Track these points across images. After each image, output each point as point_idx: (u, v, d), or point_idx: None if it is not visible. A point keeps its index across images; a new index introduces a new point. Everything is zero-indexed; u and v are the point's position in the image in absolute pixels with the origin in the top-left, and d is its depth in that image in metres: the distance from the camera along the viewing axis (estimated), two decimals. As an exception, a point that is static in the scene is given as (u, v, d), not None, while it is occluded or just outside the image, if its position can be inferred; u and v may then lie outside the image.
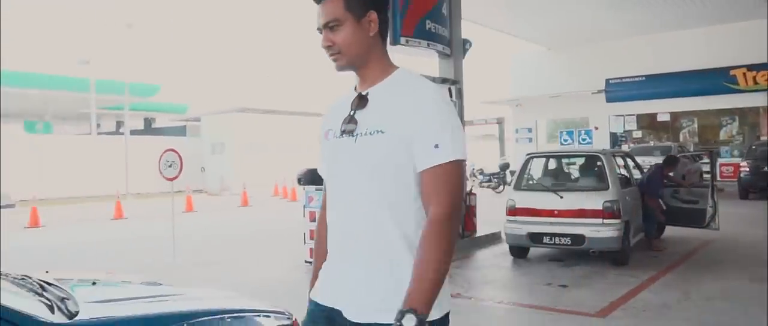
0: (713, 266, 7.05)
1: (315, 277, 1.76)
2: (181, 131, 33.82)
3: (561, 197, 7.21)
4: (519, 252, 7.76)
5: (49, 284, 2.25)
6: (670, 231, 8.83)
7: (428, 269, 1.44)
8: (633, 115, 22.17)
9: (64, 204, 19.95)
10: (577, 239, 7.00)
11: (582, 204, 7.06)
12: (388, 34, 1.71)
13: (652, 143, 21.60)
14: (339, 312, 1.57)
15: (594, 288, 6.14)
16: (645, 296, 5.77)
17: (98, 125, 38.62)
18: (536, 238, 7.31)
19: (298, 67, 33.19)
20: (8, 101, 28.51)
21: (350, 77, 1.69)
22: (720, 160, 19.23)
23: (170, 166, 8.10)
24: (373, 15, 1.61)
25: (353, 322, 1.54)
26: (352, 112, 1.61)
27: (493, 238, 9.28)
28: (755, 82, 18.84)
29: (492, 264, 7.77)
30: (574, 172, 8.66)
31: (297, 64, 33.12)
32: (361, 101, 1.61)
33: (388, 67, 1.65)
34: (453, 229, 1.50)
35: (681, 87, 19.96)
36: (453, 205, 1.50)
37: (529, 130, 25.02)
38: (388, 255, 1.54)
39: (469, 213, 9.25)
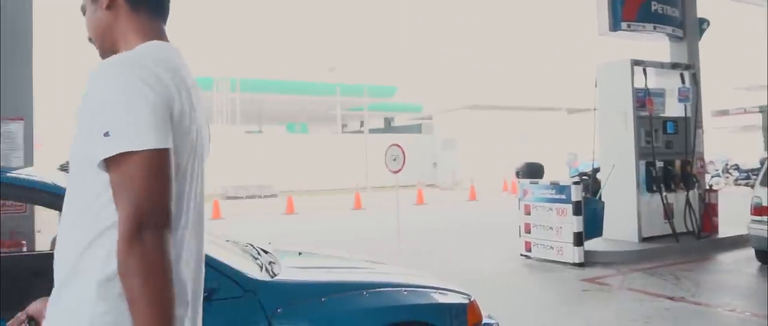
0: None
1: None
2: (416, 129, 35.79)
3: (823, 195, 6.13)
4: (766, 256, 6.77)
5: (265, 251, 2.75)
6: None
7: (135, 313, 1.09)
8: None
9: (315, 195, 22.59)
10: None
11: None
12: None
13: None
14: None
15: None
16: None
17: (345, 125, 42.70)
18: (788, 242, 6.32)
19: (525, 62, 32.76)
20: (272, 106, 33.17)
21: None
22: None
23: (395, 160, 8.77)
24: None
25: None
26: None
27: (739, 241, 8.19)
28: None
29: (732, 269, 6.91)
30: None
31: (524, 58, 32.68)
32: None
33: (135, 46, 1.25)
34: (147, 249, 1.08)
35: None
36: (136, 216, 1.08)
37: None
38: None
39: (709, 212, 8.32)
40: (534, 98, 30.56)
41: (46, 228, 4.33)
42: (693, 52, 8.29)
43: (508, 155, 25.18)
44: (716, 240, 8.20)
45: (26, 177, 2.41)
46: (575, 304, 5.59)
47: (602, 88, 7.74)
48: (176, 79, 1.21)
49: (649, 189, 7.82)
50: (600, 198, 7.51)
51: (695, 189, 8.23)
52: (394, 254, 8.50)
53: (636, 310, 5.17)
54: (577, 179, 9.61)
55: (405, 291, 2.53)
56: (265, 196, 22.50)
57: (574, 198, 6.91)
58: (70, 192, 1.22)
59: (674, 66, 8.05)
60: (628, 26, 7.55)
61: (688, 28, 8.26)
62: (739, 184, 18.16)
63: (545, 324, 5.01)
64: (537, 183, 7.76)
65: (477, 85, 30.21)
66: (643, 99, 7.57)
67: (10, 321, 1.39)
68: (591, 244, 7.16)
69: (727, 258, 7.54)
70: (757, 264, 6.86)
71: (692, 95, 7.98)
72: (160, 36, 1.31)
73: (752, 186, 17.95)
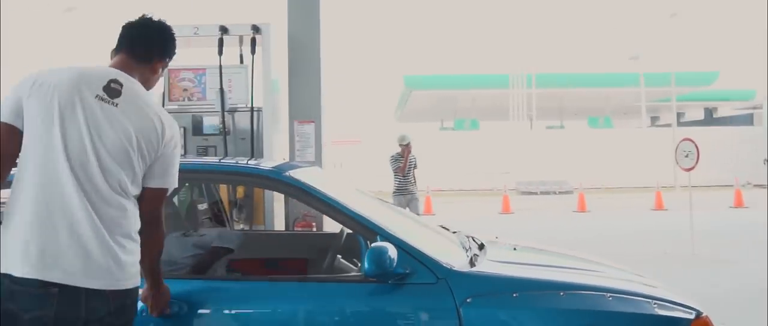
0: None
1: None
2: (746, 120, 30.88)
3: None
4: None
5: (481, 245, 2.84)
6: None
7: None
8: None
9: (614, 193, 21.24)
10: None
11: None
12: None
13: None
14: None
15: None
16: None
17: (656, 118, 39.04)
18: None
19: None
20: (572, 101, 32.23)
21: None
22: None
23: (686, 156, 7.81)
24: None
25: None
26: None
27: None
28: None
29: None
30: None
31: None
32: None
33: None
34: None
35: None
36: None
37: None
38: None
39: None
40: None
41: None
42: None
43: None
44: None
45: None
46: None
47: None
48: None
49: None
50: None
51: None
52: (686, 260, 7.61)
53: None
54: None
55: (610, 296, 2.34)
56: (560, 192, 22.04)
57: None
58: None
59: None
60: None
61: None
62: None
63: None
64: None
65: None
66: None
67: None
68: None
69: None
70: None
71: None
72: (116, 64, 1.96)
73: None
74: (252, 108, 5.10)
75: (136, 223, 1.89)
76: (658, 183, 16.71)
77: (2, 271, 1.71)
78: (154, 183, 1.92)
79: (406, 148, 8.37)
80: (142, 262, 1.92)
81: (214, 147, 5.15)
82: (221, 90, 5.08)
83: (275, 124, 5.28)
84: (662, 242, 9.47)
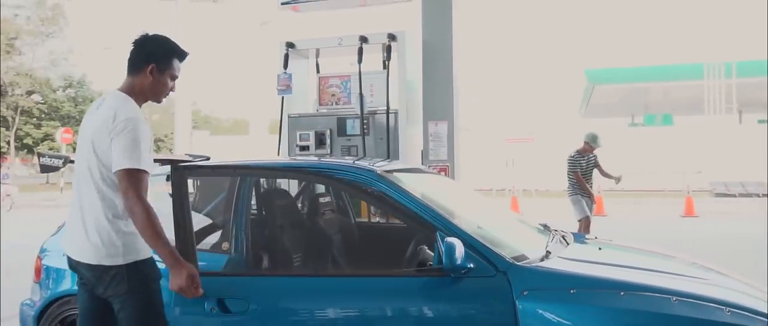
0: None
1: None
2: None
3: None
4: None
5: (564, 239, 2.91)
6: None
7: None
8: None
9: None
10: None
11: None
12: None
13: None
14: None
15: None
16: None
17: None
18: None
19: None
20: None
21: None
22: None
23: None
24: None
25: None
26: None
27: None
28: None
29: None
30: None
31: None
32: None
33: None
34: None
35: None
36: None
37: None
38: None
39: None
40: None
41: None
42: None
43: None
44: None
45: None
46: None
47: None
48: None
49: None
50: None
51: None
52: None
53: None
54: None
55: (675, 299, 2.29)
56: (764, 195, 19.43)
57: None
58: None
59: None
60: None
61: None
62: None
63: None
64: None
65: None
66: None
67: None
68: None
69: None
70: None
71: None
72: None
73: None
74: (388, 110, 5.51)
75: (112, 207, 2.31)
76: None
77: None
78: (114, 167, 2.29)
79: (588, 147, 7.68)
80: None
81: (356, 146, 5.66)
82: (360, 94, 5.57)
83: (411, 124, 5.64)
84: None
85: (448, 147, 5.57)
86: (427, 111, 5.61)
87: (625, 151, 22.57)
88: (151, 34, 2.54)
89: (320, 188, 3.84)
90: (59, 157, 3.34)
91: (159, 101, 2.58)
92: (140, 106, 2.47)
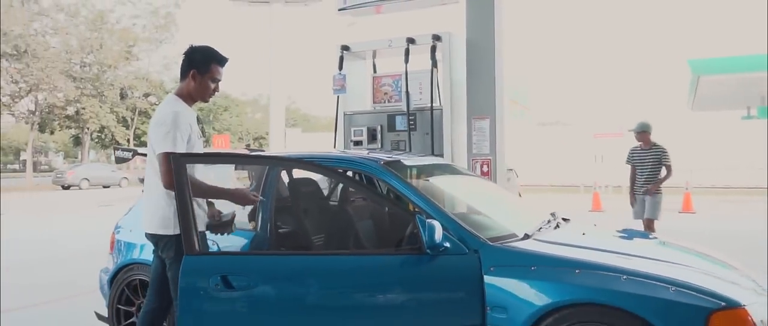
0: None
1: None
2: None
3: None
4: None
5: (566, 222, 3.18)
6: None
7: None
8: None
9: None
10: None
11: None
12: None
13: None
14: None
15: None
16: None
17: None
18: None
19: None
20: None
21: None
22: None
23: None
24: None
25: None
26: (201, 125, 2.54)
27: None
28: None
29: None
30: None
31: None
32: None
33: None
34: None
35: None
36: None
37: None
38: None
39: None
40: None
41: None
42: None
43: None
44: None
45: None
46: None
47: None
48: None
49: None
50: None
51: None
52: None
53: None
54: None
55: (625, 277, 2.51)
56: None
57: None
58: None
59: None
60: None
61: None
62: None
63: None
64: None
65: None
66: None
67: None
68: None
69: None
70: None
71: None
72: None
73: None
74: (432, 107, 5.86)
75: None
76: None
77: None
78: (156, 151, 2.86)
79: (642, 136, 7.02)
80: None
81: (404, 141, 6.06)
82: (406, 93, 5.96)
83: (455, 120, 5.95)
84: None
85: (491, 141, 5.82)
86: (471, 107, 5.89)
87: (737, 145, 21.35)
88: (195, 44, 3.05)
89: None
90: (129, 150, 4.02)
91: (205, 100, 3.10)
92: (191, 106, 3.02)
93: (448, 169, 4.25)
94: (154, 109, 38.88)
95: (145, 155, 3.56)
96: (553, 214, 3.67)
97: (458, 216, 2.98)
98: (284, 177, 3.77)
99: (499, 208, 3.71)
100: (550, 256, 2.76)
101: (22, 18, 28.69)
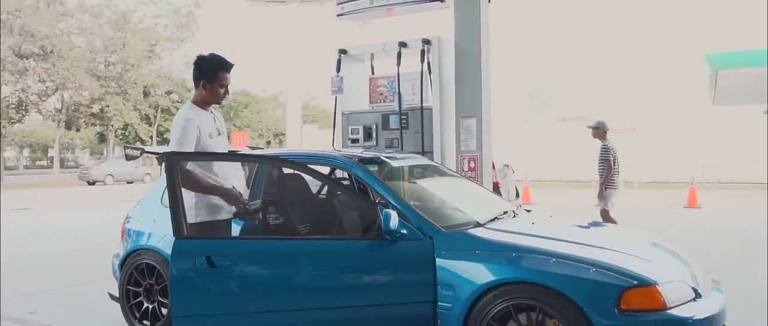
0: None
1: None
2: None
3: None
4: None
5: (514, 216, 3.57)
6: None
7: None
8: None
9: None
10: None
11: None
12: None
13: None
14: None
15: None
16: None
17: None
18: None
19: None
20: None
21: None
22: None
23: None
24: None
25: None
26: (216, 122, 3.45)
27: None
28: None
29: None
30: None
31: None
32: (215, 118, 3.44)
33: None
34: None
35: None
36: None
37: None
38: None
39: None
40: None
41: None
42: None
43: None
44: None
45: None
46: None
47: None
48: None
49: None
50: None
51: None
52: None
53: None
54: None
55: (553, 260, 2.90)
56: None
57: None
58: None
59: None
60: None
61: None
62: None
63: None
64: None
65: None
66: None
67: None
68: None
69: None
70: None
71: None
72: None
73: None
74: (422, 107, 6.25)
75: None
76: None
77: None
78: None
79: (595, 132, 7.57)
80: None
81: (397, 139, 6.46)
82: (398, 93, 6.37)
83: (445, 120, 6.33)
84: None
85: (477, 139, 6.18)
86: (459, 107, 6.26)
87: (758, 140, 21.26)
88: (203, 55, 3.43)
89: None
90: (137, 149, 4.49)
91: (219, 103, 3.48)
92: (207, 109, 3.41)
93: (429, 168, 4.66)
94: (176, 107, 39.95)
95: (152, 153, 4.02)
96: (517, 207, 4.06)
97: (419, 207, 3.39)
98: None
99: (464, 202, 4.10)
100: (493, 241, 3.16)
101: (48, 19, 29.67)
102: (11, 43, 28.18)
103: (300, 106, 23.64)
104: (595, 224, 4.24)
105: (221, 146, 3.47)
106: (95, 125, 39.70)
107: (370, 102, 6.86)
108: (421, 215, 3.26)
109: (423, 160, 4.80)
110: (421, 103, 6.25)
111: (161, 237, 4.09)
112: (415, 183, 4.30)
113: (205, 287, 2.94)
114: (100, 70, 33.56)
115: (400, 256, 3.17)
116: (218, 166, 3.34)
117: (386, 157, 4.10)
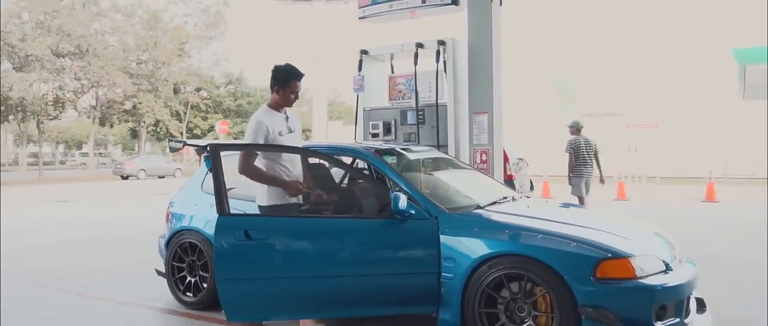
0: None
1: None
2: None
3: None
4: None
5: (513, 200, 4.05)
6: None
7: None
8: None
9: None
10: None
11: None
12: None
13: None
14: None
15: None
16: None
17: None
18: None
19: None
20: None
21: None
22: None
23: None
24: None
25: None
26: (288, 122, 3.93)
27: None
28: None
29: None
30: None
31: None
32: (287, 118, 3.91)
33: None
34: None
35: None
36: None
37: None
38: None
39: None
40: None
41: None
42: None
43: None
44: None
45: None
46: None
47: None
48: None
49: None
50: None
51: None
52: None
53: None
54: None
55: (540, 236, 3.37)
56: None
57: None
58: None
59: None
60: None
61: None
62: None
63: None
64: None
65: None
66: None
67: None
68: None
69: None
70: None
71: None
72: None
73: None
74: (437, 104, 6.73)
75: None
76: None
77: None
78: None
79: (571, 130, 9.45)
80: None
81: (414, 133, 6.95)
82: (415, 91, 6.85)
83: (458, 115, 6.79)
84: None
85: (489, 133, 6.64)
86: (472, 103, 6.72)
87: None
88: (278, 64, 3.93)
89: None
90: (180, 141, 5.05)
91: (290, 106, 4.00)
92: (280, 111, 3.91)
93: (442, 160, 5.15)
94: (205, 104, 41.15)
95: (193, 146, 4.58)
96: (521, 194, 4.53)
97: (428, 192, 3.89)
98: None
99: (470, 188, 4.58)
100: (490, 220, 3.65)
101: (83, 19, 30.81)
102: (49, 42, 29.34)
103: (325, 102, 24.24)
104: (575, 206, 4.66)
105: (292, 142, 3.95)
106: (128, 121, 40.94)
107: (390, 99, 7.35)
108: (428, 198, 3.76)
109: (436, 153, 5.28)
110: (437, 99, 6.72)
111: (202, 219, 4.66)
112: (430, 174, 4.79)
113: (243, 256, 3.46)
114: (133, 68, 34.67)
115: (410, 233, 3.66)
116: (286, 157, 3.85)
117: (401, 149, 4.61)
